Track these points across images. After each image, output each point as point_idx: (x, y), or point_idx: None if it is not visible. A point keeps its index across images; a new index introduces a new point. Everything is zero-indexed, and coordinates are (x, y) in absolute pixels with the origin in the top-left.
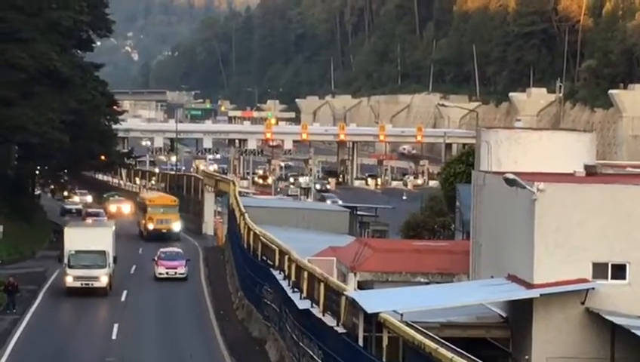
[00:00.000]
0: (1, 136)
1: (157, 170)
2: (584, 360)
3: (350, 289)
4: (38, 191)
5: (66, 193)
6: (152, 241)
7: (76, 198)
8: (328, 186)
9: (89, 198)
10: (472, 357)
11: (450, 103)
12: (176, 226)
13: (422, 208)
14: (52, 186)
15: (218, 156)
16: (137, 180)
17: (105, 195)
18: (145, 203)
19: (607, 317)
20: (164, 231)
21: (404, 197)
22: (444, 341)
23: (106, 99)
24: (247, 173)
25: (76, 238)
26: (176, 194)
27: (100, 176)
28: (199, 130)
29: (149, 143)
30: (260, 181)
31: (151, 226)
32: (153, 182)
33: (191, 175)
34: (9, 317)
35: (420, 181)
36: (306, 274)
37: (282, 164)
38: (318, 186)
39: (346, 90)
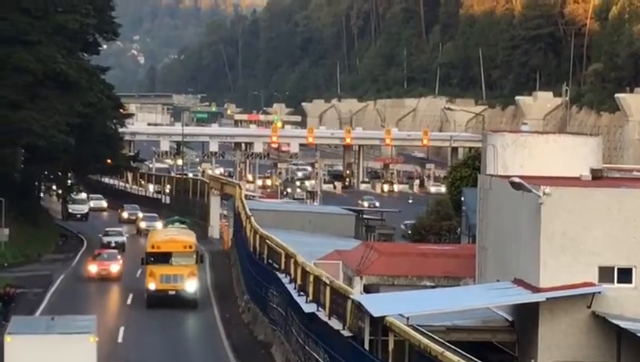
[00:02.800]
0: (8, 139)
1: (173, 175)
2: None
3: (356, 293)
4: (85, 210)
5: (126, 214)
6: (151, 309)
7: (143, 224)
8: (377, 203)
9: (158, 224)
10: (478, 361)
11: (456, 107)
12: (191, 285)
13: (428, 211)
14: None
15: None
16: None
17: (166, 220)
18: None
19: (613, 321)
20: (173, 292)
21: (410, 201)
22: (450, 344)
23: (112, 103)
24: (254, 177)
25: (29, 359)
26: (182, 198)
27: (105, 180)
28: (205, 133)
29: (165, 148)
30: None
31: (152, 286)
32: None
33: (197, 178)
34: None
35: (442, 188)
36: (311, 277)
37: (299, 173)
38: (366, 203)
39: (352, 93)
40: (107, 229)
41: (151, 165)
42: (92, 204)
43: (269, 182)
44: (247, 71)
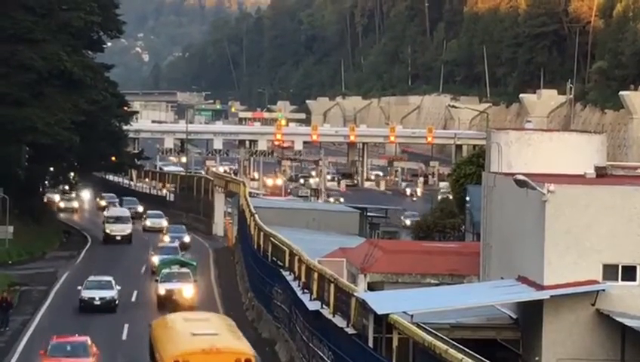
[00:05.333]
0: (12, 136)
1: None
2: (594, 361)
3: (360, 291)
4: (126, 231)
5: (167, 238)
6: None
7: (156, 259)
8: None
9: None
10: (482, 358)
11: (460, 104)
12: None
13: (432, 209)
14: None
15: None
16: None
17: (160, 262)
18: None
19: (617, 318)
20: None
21: (414, 199)
22: (454, 342)
23: (116, 100)
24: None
25: None
26: (186, 196)
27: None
28: (209, 130)
29: (169, 145)
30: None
31: None
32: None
33: (201, 176)
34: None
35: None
36: (316, 275)
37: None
38: (408, 221)
39: (356, 91)
40: (90, 279)
41: (166, 168)
42: (148, 223)
43: (279, 181)
44: (251, 68)
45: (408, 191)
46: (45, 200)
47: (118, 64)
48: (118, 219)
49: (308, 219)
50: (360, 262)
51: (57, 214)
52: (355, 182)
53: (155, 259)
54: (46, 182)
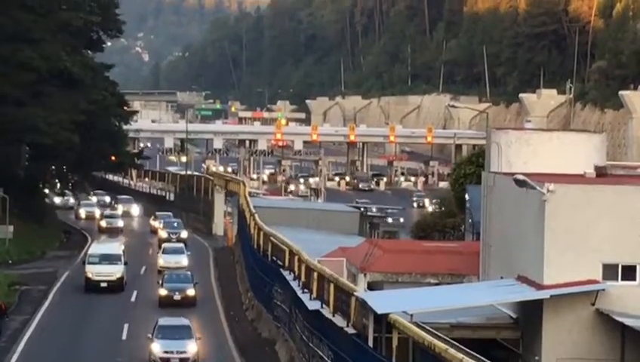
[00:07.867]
0: (12, 136)
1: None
2: (594, 361)
3: (360, 290)
4: (115, 274)
5: (165, 291)
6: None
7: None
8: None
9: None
10: (482, 358)
11: (460, 104)
12: None
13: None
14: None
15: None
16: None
17: None
18: None
19: (617, 318)
20: None
21: (414, 198)
22: (454, 342)
23: (116, 100)
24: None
25: None
26: (186, 195)
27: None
28: (209, 130)
29: (169, 145)
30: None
31: None
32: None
33: (201, 175)
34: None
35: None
36: (315, 274)
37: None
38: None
39: (356, 91)
40: None
41: (183, 172)
42: (162, 261)
43: (302, 187)
44: (251, 68)
45: (415, 203)
46: (83, 215)
47: (117, 64)
48: (105, 259)
49: (308, 218)
50: (360, 261)
51: (99, 234)
52: (372, 186)
53: (156, 347)
54: (79, 196)
